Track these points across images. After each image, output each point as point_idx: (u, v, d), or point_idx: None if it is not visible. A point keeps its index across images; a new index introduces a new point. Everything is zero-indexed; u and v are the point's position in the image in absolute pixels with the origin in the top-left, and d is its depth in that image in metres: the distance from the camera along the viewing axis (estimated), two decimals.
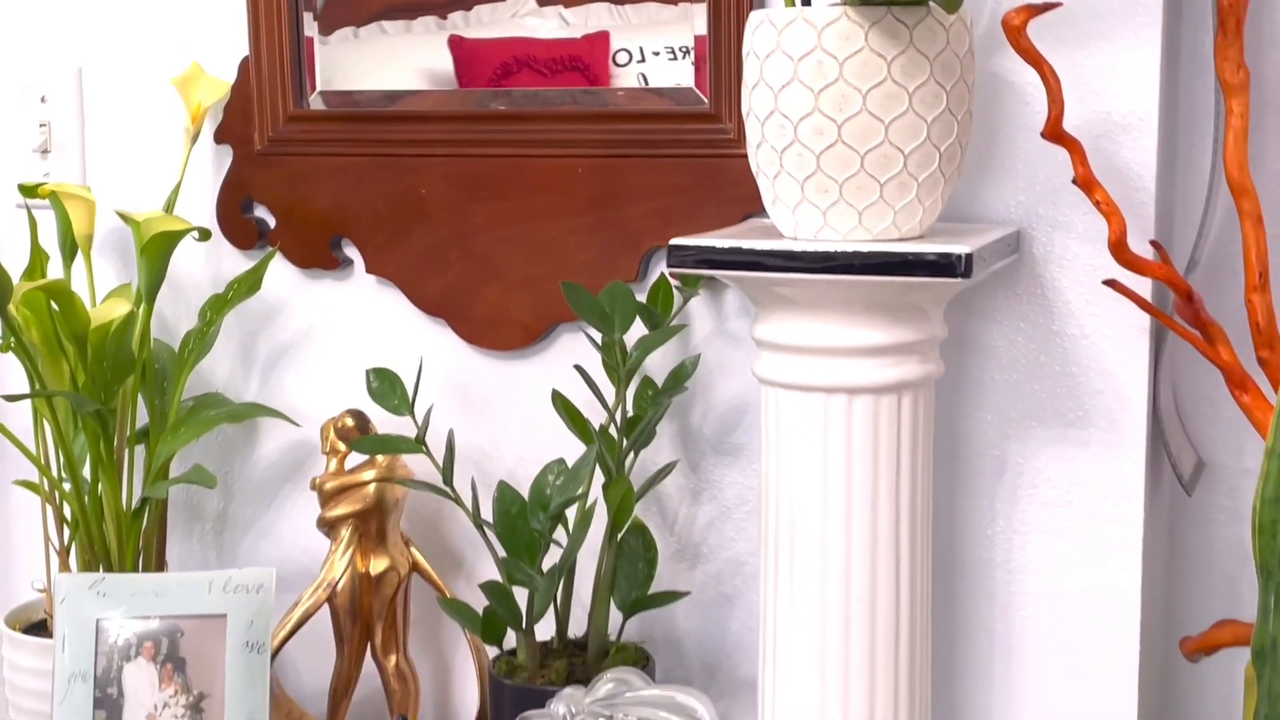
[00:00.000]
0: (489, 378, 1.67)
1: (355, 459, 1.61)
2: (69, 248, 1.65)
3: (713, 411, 1.60)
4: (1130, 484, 1.46)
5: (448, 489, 1.49)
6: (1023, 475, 1.50)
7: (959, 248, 1.26)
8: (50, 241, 1.68)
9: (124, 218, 1.61)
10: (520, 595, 1.49)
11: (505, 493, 1.49)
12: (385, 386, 1.52)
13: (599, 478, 1.50)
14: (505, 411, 1.67)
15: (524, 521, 1.46)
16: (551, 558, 1.51)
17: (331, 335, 1.73)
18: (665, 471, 1.52)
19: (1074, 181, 1.33)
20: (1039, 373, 1.48)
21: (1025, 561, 1.50)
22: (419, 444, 1.50)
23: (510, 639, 1.53)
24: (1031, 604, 1.51)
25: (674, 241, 1.33)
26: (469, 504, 1.50)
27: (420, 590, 1.69)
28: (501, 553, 1.50)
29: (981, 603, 1.52)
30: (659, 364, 1.56)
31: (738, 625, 1.61)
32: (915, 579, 1.39)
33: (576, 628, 1.56)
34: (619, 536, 1.50)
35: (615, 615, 1.53)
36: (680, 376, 1.51)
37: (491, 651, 1.55)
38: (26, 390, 1.61)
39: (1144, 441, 1.45)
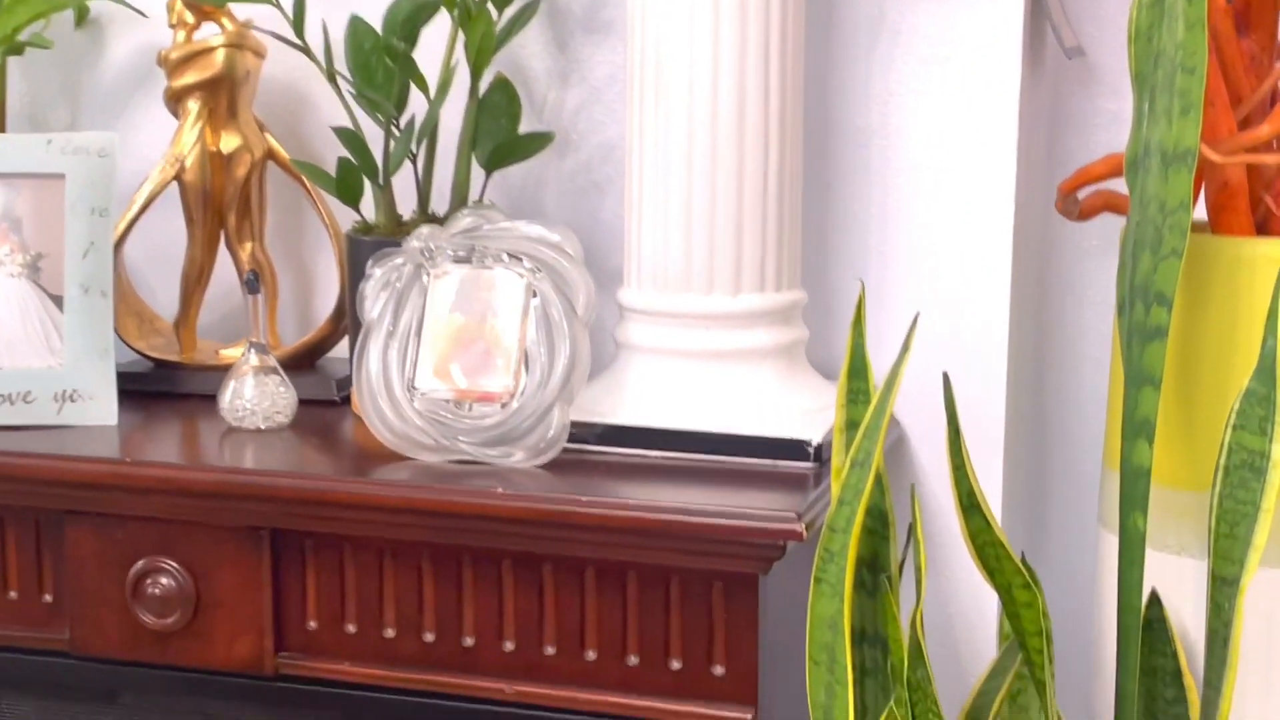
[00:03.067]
0: None
1: (204, 32, 1.52)
2: None
3: None
4: (1009, 40, 1.42)
5: (298, 41, 1.42)
6: (900, 33, 1.45)
7: None
8: None
9: None
10: (377, 152, 1.43)
11: (358, 27, 1.40)
12: None
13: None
14: None
15: (379, 56, 1.39)
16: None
17: None
18: (529, 10, 1.44)
19: None
20: None
21: (902, 127, 1.46)
22: None
23: (368, 209, 1.46)
24: (908, 173, 1.47)
25: None
26: (320, 57, 1.43)
27: (281, 199, 1.62)
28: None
29: (858, 172, 1.48)
30: None
31: (608, 214, 1.56)
32: (785, 130, 1.34)
33: (439, 205, 1.49)
34: (481, 91, 1.43)
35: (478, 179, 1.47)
36: None
37: (349, 223, 1.48)
38: None
39: None
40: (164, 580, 1.31)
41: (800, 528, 1.14)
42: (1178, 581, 1.32)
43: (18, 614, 1.37)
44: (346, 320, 1.52)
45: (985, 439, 1.46)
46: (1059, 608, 1.48)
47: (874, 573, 1.18)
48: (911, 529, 1.19)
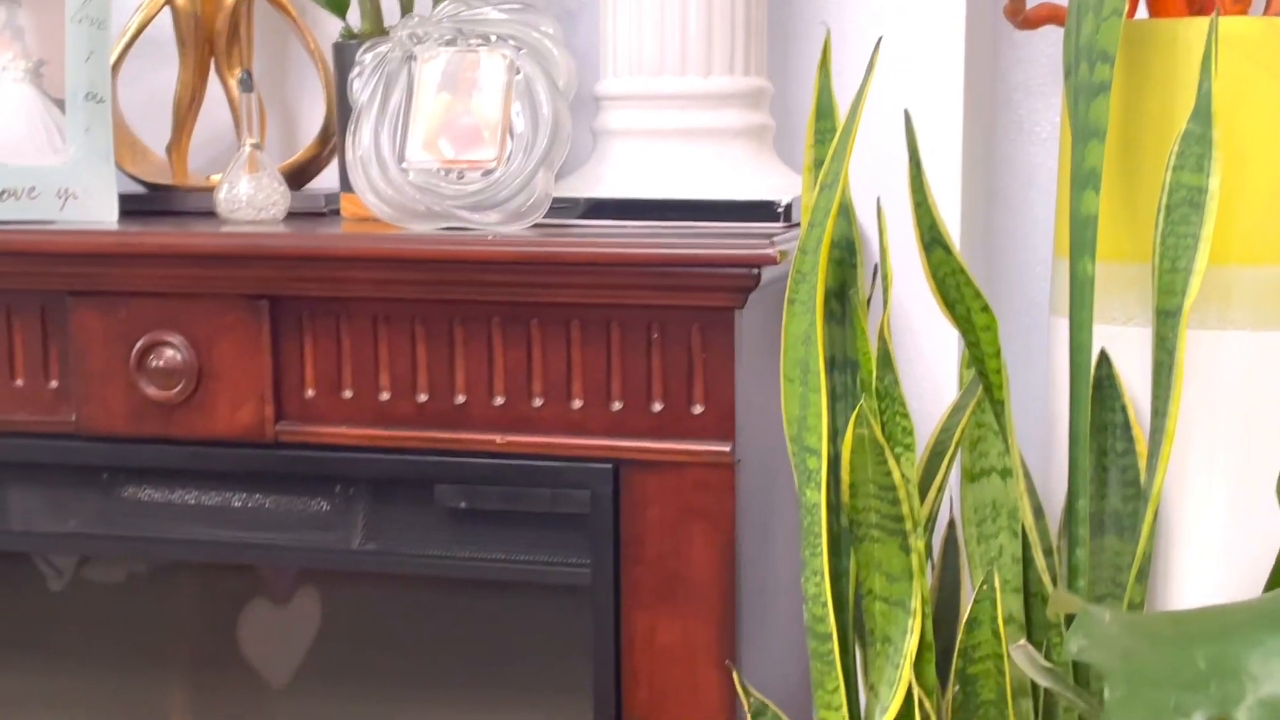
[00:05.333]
0: None
1: None
2: None
3: None
4: None
5: None
6: None
7: None
8: None
9: None
10: None
11: None
12: None
13: None
14: None
15: None
16: None
17: None
18: None
19: None
20: None
21: None
22: None
23: (354, 22, 1.54)
24: None
25: None
26: None
27: (265, 45, 1.69)
28: None
29: None
30: None
31: (581, 40, 1.62)
32: None
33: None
34: None
35: None
36: None
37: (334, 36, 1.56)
38: None
39: None
40: (168, 353, 1.37)
41: (774, 252, 1.22)
42: (1125, 350, 1.40)
43: (25, 401, 1.43)
44: (334, 140, 1.59)
45: None
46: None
47: (842, 302, 1.26)
48: (881, 255, 1.27)
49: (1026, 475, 1.34)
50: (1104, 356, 1.38)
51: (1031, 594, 1.34)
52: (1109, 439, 1.38)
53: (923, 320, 1.50)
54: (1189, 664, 0.91)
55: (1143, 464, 1.37)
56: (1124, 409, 1.38)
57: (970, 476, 1.37)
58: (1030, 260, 1.71)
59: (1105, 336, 1.39)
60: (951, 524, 1.38)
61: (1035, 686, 1.32)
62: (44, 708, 1.59)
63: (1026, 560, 1.33)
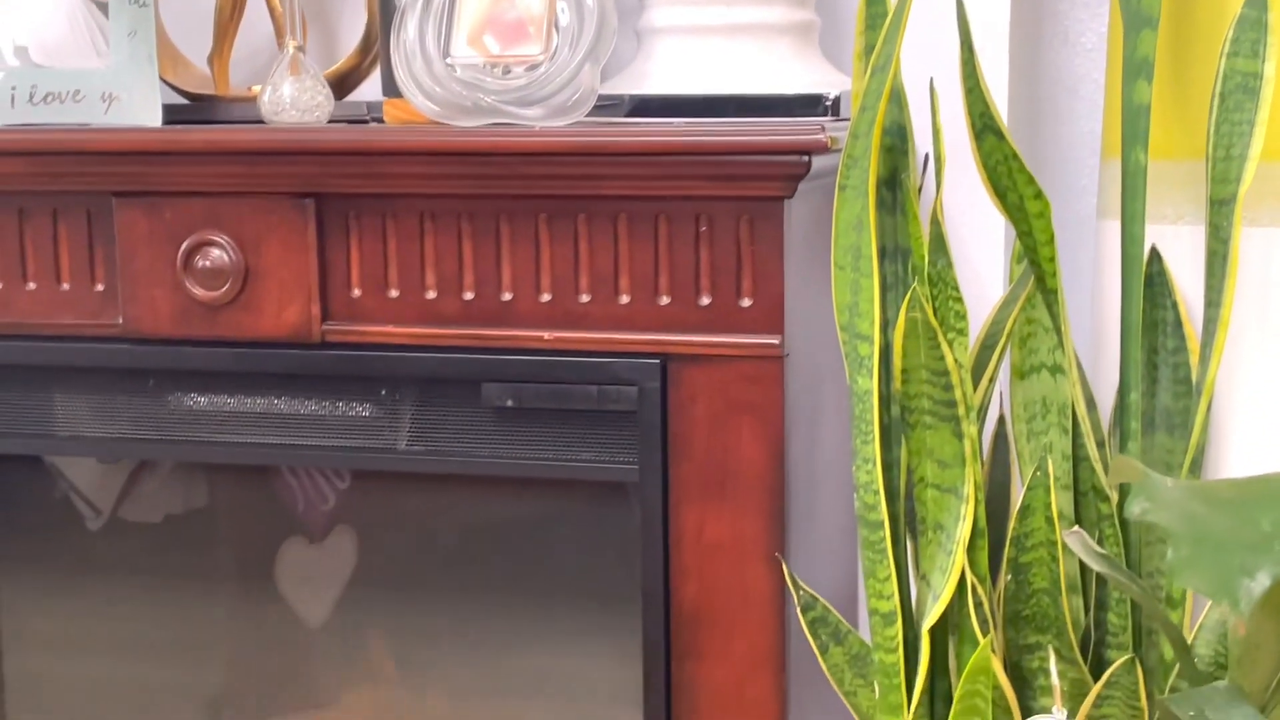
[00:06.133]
0: None
1: None
2: None
3: None
4: None
5: None
6: None
7: None
8: None
9: None
10: None
11: None
12: None
13: None
14: None
15: None
16: None
17: None
18: None
19: None
20: None
21: None
22: None
23: None
24: None
25: None
26: None
27: None
28: None
29: None
30: None
31: None
32: None
33: None
34: None
35: None
36: None
37: None
38: None
39: None
40: (214, 252, 1.37)
41: (824, 137, 1.21)
42: (1175, 249, 1.39)
43: (71, 304, 1.43)
44: (375, 50, 1.58)
45: None
46: None
47: (893, 190, 1.25)
48: (935, 137, 1.25)
49: (1078, 366, 1.33)
50: (1155, 254, 1.37)
51: (1081, 492, 1.33)
52: (1159, 336, 1.37)
53: (968, 220, 1.49)
54: (1252, 526, 0.90)
55: (1194, 360, 1.36)
56: (1175, 305, 1.37)
57: (1020, 374, 1.36)
58: (1075, 171, 1.70)
59: (1155, 235, 1.38)
60: (1001, 420, 1.37)
61: (1085, 580, 1.32)
62: (81, 652, 1.60)
63: (1077, 459, 1.33)
